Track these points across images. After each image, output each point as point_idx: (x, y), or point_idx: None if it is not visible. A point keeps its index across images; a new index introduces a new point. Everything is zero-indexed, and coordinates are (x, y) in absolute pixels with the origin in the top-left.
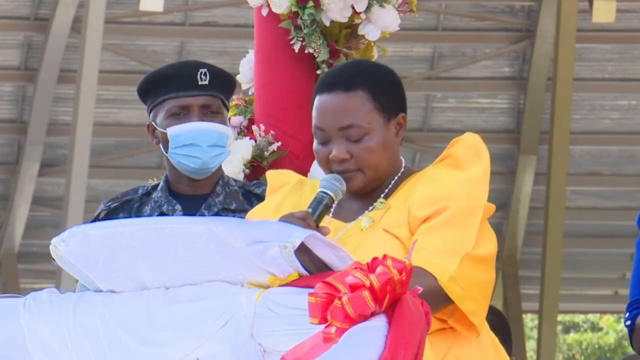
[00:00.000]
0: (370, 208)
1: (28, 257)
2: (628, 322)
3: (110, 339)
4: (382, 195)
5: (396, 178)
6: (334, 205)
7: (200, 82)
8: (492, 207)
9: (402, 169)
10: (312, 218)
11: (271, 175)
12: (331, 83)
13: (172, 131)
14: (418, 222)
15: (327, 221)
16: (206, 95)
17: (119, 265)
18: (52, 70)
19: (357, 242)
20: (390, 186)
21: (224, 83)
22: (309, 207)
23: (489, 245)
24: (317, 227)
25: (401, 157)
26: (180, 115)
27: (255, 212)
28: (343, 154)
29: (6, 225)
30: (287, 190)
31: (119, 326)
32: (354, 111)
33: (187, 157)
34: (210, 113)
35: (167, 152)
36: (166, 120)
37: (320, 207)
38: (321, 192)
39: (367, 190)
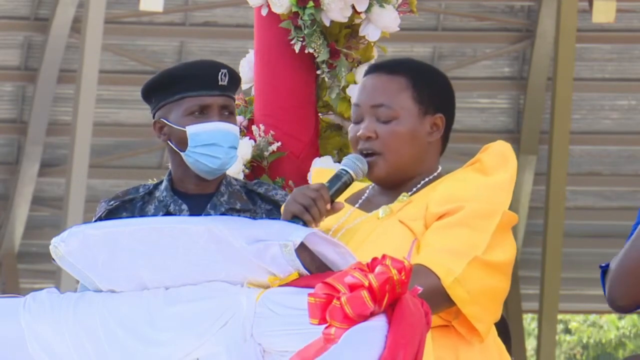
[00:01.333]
0: (394, 202)
1: (28, 257)
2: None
3: (110, 339)
4: (410, 193)
5: (426, 179)
6: (363, 197)
7: (220, 83)
8: (515, 217)
9: (435, 174)
10: (326, 190)
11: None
12: (378, 66)
13: (193, 130)
14: (432, 218)
15: (351, 210)
16: (225, 96)
17: (119, 265)
18: (52, 70)
19: (370, 229)
20: (419, 185)
21: (237, 84)
22: (328, 181)
23: (505, 253)
24: (331, 202)
25: (439, 165)
26: (200, 114)
27: None
28: (369, 132)
29: (6, 225)
30: None
31: (119, 326)
32: (389, 92)
33: (207, 157)
34: (228, 114)
35: (182, 150)
36: (183, 119)
37: (338, 184)
38: (341, 169)
39: (390, 181)
